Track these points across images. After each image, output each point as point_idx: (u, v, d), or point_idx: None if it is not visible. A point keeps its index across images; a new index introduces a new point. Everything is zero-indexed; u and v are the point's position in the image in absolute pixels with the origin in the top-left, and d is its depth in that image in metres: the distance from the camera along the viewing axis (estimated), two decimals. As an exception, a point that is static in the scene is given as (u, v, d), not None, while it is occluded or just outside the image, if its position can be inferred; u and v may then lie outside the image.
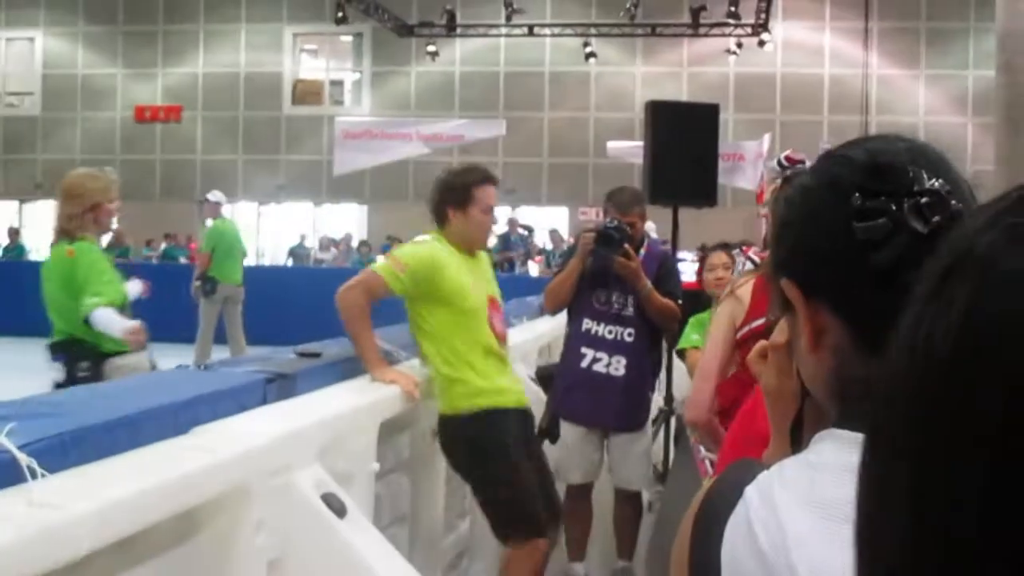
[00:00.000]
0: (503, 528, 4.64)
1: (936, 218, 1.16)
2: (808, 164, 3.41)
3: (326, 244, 24.86)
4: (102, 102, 28.19)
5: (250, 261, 22.53)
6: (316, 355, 4.22)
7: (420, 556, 4.78)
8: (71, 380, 5.03)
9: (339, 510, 3.21)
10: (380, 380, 4.27)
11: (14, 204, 28.06)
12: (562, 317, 5.96)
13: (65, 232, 5.50)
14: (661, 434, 6.95)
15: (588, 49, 24.30)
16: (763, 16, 22.40)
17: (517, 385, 4.95)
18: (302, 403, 3.63)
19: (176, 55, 28.01)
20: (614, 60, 25.22)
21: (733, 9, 21.88)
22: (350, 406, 3.79)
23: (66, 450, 2.56)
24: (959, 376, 0.56)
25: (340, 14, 22.63)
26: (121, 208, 6.02)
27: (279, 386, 3.69)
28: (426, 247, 4.73)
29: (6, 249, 22.01)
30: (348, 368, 4.28)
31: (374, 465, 3.87)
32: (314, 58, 28.31)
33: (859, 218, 1.18)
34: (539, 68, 26.30)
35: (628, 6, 22.50)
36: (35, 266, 20.43)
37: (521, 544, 4.57)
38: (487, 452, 4.59)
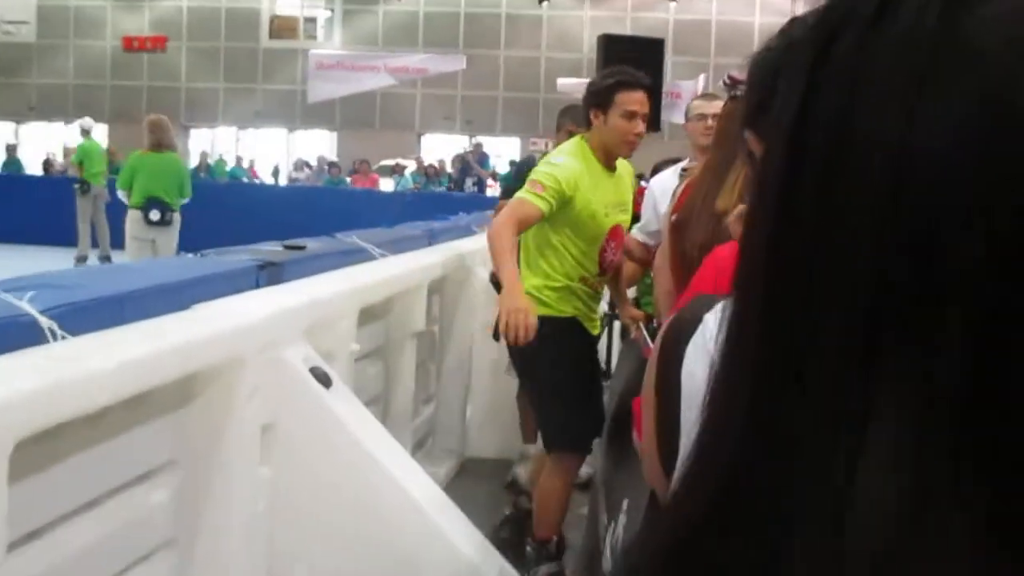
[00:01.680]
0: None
1: None
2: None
3: (299, 165, 24.68)
4: (92, 31, 27.69)
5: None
6: (301, 247, 4.22)
7: (392, 432, 4.83)
8: None
9: (325, 381, 3.23)
10: (509, 307, 3.95)
11: (11, 125, 27.58)
12: None
13: None
14: (604, 337, 7.01)
15: (542, -7, 24.15)
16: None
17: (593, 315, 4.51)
18: (290, 288, 3.63)
19: (162, -11, 27.53)
20: (565, 4, 25.04)
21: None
22: (333, 292, 3.79)
23: (82, 316, 2.56)
24: None
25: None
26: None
27: (269, 272, 3.69)
28: (561, 167, 4.19)
29: (4, 164, 21.70)
30: (330, 261, 4.28)
31: (354, 346, 3.89)
32: (290, -5, 27.91)
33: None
34: (496, 9, 26.10)
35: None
36: (30, 179, 20.19)
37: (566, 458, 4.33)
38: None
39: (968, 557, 0.45)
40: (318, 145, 26.55)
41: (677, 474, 1.17)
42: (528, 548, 4.43)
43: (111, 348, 2.44)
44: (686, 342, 1.22)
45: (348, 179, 21.65)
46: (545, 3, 24.25)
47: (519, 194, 4.19)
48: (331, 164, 23.40)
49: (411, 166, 22.35)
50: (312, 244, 4.41)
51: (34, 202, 17.07)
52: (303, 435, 3.17)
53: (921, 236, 0.46)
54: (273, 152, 26.64)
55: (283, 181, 24.22)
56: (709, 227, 2.94)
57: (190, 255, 3.84)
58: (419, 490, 3.30)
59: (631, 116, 4.22)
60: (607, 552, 3.08)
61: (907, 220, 0.46)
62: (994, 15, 0.46)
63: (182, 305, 3.01)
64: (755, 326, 0.53)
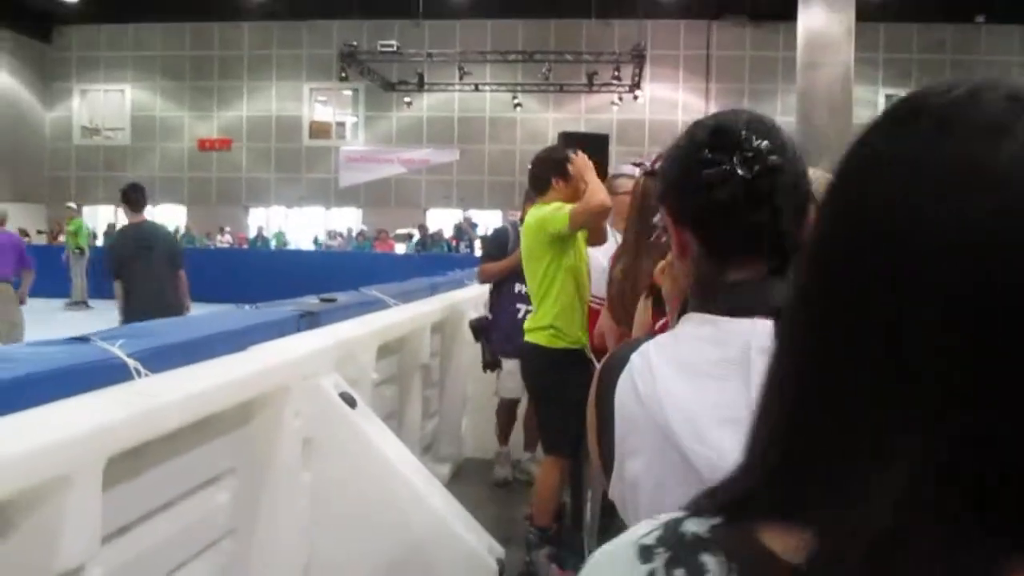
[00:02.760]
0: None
1: (757, 167, 1.17)
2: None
3: (333, 235, 24.66)
4: (173, 136, 27.68)
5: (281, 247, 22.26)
6: (333, 300, 4.17)
7: (405, 441, 4.77)
8: None
9: (351, 403, 3.18)
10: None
11: (111, 208, 27.48)
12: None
13: None
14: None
15: (516, 101, 24.22)
16: (637, 79, 22.43)
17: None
18: (324, 331, 3.58)
19: (227, 102, 27.54)
20: (534, 108, 25.18)
21: (616, 74, 21.88)
22: (356, 333, 3.74)
23: (160, 358, 2.52)
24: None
25: (343, 75, 22.34)
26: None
27: (308, 320, 3.64)
28: (556, 205, 3.97)
29: (105, 236, 21.75)
30: (355, 309, 4.23)
31: (374, 375, 3.84)
32: (324, 106, 27.91)
33: (705, 166, 1.19)
34: (482, 114, 26.20)
35: (544, 70, 22.44)
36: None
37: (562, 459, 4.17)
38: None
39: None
40: (348, 219, 26.52)
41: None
42: (529, 535, 4.27)
43: (182, 383, 2.40)
44: (616, 378, 1.20)
45: (371, 244, 21.64)
46: (519, 108, 24.37)
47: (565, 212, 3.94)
48: (360, 232, 23.38)
49: (418, 234, 22.33)
50: (342, 297, 4.36)
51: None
52: (335, 446, 3.12)
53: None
54: (314, 225, 26.61)
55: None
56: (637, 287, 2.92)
57: (247, 307, 3.79)
58: (426, 487, 3.25)
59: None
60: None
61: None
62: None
63: (240, 347, 2.97)
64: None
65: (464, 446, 6.01)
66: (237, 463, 2.82)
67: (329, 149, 26.92)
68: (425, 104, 25.91)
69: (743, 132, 1.19)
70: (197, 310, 5.83)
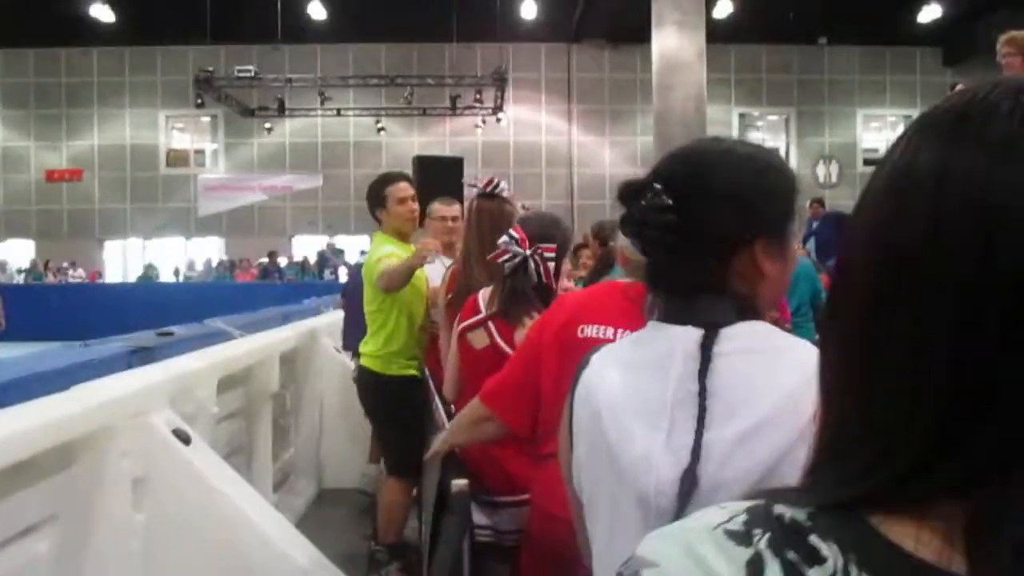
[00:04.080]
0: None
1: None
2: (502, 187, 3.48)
3: (191, 266, 24.02)
4: (19, 167, 26.44)
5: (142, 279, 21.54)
6: (170, 334, 4.05)
7: (255, 475, 4.66)
8: None
9: (185, 439, 3.10)
10: (419, 251, 3.92)
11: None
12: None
13: None
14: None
15: (379, 125, 24.12)
16: (500, 101, 22.68)
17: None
18: (157, 367, 3.48)
19: (77, 131, 26.48)
20: (398, 133, 25.13)
21: (479, 97, 22.07)
22: (193, 367, 3.64)
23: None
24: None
25: (200, 101, 21.80)
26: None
27: (140, 356, 3.53)
28: (386, 253, 4.10)
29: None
30: (194, 343, 4.13)
31: (214, 409, 3.75)
32: (182, 133, 27.16)
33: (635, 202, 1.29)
34: (345, 139, 26.00)
35: (406, 95, 22.45)
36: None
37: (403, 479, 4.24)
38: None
39: None
40: (210, 249, 25.82)
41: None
42: (377, 553, 4.30)
43: (-10, 427, 2.29)
44: (581, 371, 1.30)
45: (231, 275, 21.17)
46: (382, 132, 24.29)
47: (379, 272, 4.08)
48: (219, 263, 22.80)
49: (284, 261, 21.93)
50: (180, 330, 4.25)
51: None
52: (168, 485, 3.02)
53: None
54: (174, 256, 25.79)
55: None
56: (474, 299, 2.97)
57: (77, 344, 3.65)
58: (268, 522, 3.18)
59: (402, 201, 4.23)
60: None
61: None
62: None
63: (63, 387, 2.85)
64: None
65: (324, 475, 5.91)
66: (58, 509, 2.70)
67: (188, 177, 26.20)
68: (287, 130, 25.53)
69: (653, 180, 1.29)
70: (30, 349, 5.57)
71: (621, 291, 2.11)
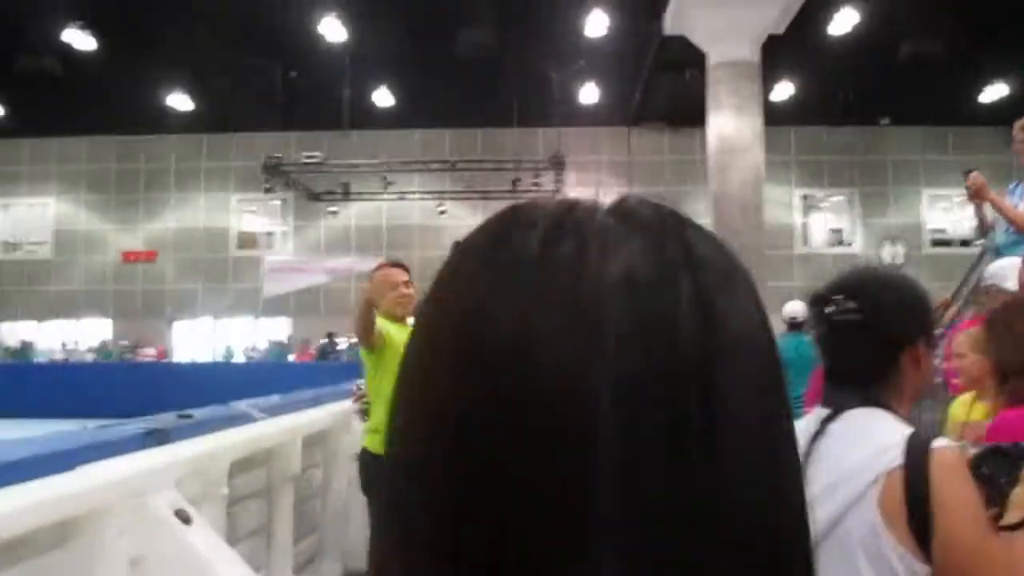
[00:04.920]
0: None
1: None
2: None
3: (255, 347, 24.61)
4: (99, 249, 27.52)
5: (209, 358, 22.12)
6: (190, 416, 4.19)
7: (274, 556, 4.74)
8: None
9: (186, 520, 3.21)
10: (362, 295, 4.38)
11: (33, 323, 27.03)
12: None
13: None
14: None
15: (441, 208, 24.63)
16: (559, 184, 23.00)
17: None
18: (167, 448, 3.62)
19: (153, 215, 27.55)
20: (460, 215, 25.56)
21: (536, 181, 22.48)
22: (205, 449, 3.78)
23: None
24: None
25: (268, 187, 22.57)
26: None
27: (155, 437, 3.67)
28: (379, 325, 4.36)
29: (16, 353, 21.32)
30: (213, 425, 4.26)
31: (224, 491, 3.86)
32: (253, 216, 28.06)
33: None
34: (408, 221, 26.55)
35: (467, 178, 22.97)
36: (38, 366, 19.81)
37: None
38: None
39: None
40: (278, 329, 26.40)
41: None
42: None
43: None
44: None
45: (291, 356, 21.64)
46: (444, 215, 24.77)
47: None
48: (274, 343, 23.39)
49: (345, 341, 22.27)
50: (201, 412, 4.39)
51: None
52: (166, 564, 3.13)
53: None
54: (244, 335, 26.45)
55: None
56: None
57: (91, 426, 3.82)
58: (263, 602, 3.26)
59: (394, 286, 4.58)
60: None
61: None
62: None
63: (68, 467, 3.00)
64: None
65: (352, 556, 5.96)
66: (55, 585, 2.82)
67: (257, 259, 26.97)
68: (353, 212, 26.20)
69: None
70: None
71: None
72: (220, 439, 4.04)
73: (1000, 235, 4.79)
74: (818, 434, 1.58)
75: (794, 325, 7.11)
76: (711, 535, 0.42)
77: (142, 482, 3.15)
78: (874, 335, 1.59)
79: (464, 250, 0.50)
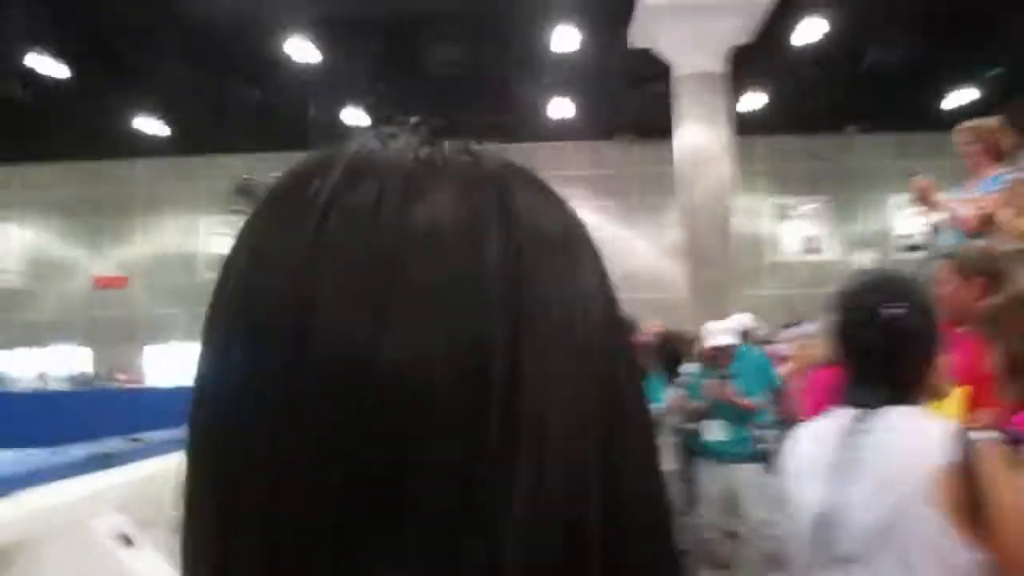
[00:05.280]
0: None
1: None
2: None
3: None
4: (69, 275, 27.32)
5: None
6: (138, 440, 4.14)
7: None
8: None
9: (128, 543, 3.17)
10: None
11: (4, 352, 26.76)
12: None
13: None
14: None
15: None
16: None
17: None
18: (112, 472, 3.57)
19: (122, 239, 27.38)
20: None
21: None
22: (152, 470, 3.73)
23: None
24: None
25: (235, 208, 22.40)
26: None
27: (99, 461, 3.62)
28: None
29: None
30: (166, 447, 4.19)
31: (172, 512, 3.79)
32: (224, 238, 27.86)
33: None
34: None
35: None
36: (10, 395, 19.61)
37: None
38: None
39: None
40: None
41: None
42: None
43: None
44: None
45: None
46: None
47: None
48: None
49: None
50: (152, 435, 4.32)
51: None
52: (108, 589, 3.09)
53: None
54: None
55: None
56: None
57: (39, 451, 3.76)
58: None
59: None
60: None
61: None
62: None
63: (3, 494, 2.95)
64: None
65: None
66: (-10, 615, 2.77)
67: (229, 281, 26.83)
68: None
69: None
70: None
71: None
72: (168, 461, 3.98)
73: (948, 236, 4.82)
74: (854, 431, 1.70)
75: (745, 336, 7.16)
76: (507, 515, 0.38)
77: (83, 507, 3.11)
78: (924, 339, 1.74)
79: (266, 193, 0.47)
